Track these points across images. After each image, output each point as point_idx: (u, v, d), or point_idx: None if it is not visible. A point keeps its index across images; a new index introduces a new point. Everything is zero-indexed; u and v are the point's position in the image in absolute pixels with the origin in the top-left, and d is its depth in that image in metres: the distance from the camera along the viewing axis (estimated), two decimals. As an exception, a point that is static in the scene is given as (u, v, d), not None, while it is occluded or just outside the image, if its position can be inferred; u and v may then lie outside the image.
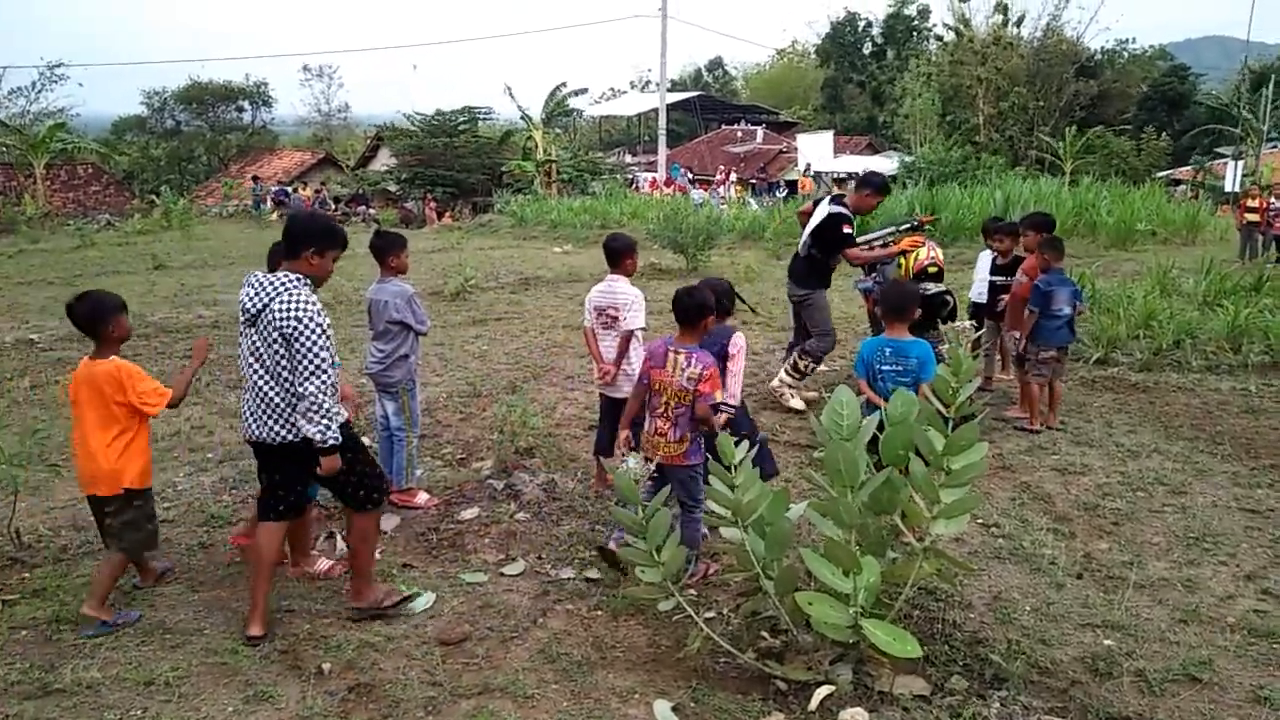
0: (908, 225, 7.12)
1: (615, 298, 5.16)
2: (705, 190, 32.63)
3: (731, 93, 66.39)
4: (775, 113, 53.49)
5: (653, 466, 3.81)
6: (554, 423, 6.73)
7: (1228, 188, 28.92)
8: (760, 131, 44.99)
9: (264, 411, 3.69)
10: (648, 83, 63.25)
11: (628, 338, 5.12)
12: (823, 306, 6.96)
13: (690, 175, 37.72)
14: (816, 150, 35.48)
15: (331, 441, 3.59)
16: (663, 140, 36.78)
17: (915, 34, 54.93)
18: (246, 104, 50.75)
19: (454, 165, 34.10)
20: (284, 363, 3.59)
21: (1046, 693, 3.29)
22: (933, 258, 6.64)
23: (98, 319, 3.89)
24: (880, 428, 3.41)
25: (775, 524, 3.33)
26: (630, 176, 36.23)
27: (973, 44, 39.61)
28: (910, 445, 3.32)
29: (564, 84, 34.65)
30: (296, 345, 3.52)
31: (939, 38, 46.50)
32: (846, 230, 6.73)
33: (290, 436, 3.68)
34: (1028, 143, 37.46)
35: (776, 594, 3.36)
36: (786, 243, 18.54)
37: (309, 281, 3.66)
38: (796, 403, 6.90)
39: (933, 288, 6.50)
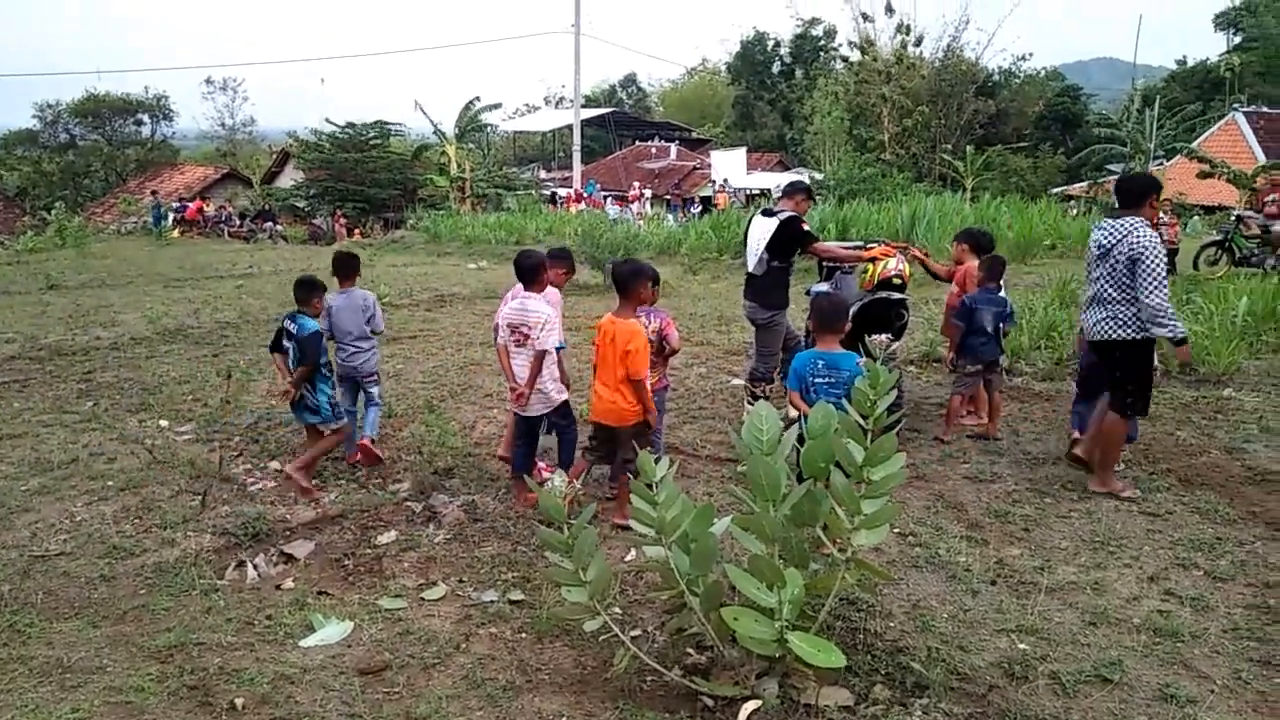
0: (877, 245, 7.21)
1: (527, 315, 5.14)
2: (621, 206, 32.77)
3: (645, 109, 66.96)
4: (688, 130, 54.16)
5: (578, 485, 3.79)
6: (473, 442, 6.64)
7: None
8: (674, 148, 45.47)
9: (1110, 319, 5.19)
10: (561, 99, 63.34)
11: (540, 357, 5.09)
12: (781, 330, 6.91)
13: (604, 192, 37.84)
14: (730, 167, 36.04)
15: (1181, 335, 5.08)
16: (578, 156, 36.85)
17: (822, 53, 56.25)
18: (146, 117, 49.14)
19: (365, 180, 33.58)
20: (1128, 281, 5.07)
21: (966, 699, 3.35)
22: (899, 270, 6.75)
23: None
24: (801, 441, 3.44)
25: (699, 540, 3.33)
26: (552, 192, 36.15)
27: (877, 64, 40.74)
28: (830, 457, 3.36)
29: (477, 99, 34.47)
30: (1142, 267, 5.00)
31: (845, 58, 47.69)
32: (806, 227, 6.77)
33: (1134, 335, 5.13)
34: (931, 160, 38.67)
35: (702, 610, 3.36)
36: (703, 257, 18.76)
37: (1149, 223, 5.11)
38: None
39: (894, 296, 6.62)
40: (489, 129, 40.30)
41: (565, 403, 5.39)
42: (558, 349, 5.26)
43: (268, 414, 7.42)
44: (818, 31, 56.61)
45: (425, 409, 7.38)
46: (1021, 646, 3.69)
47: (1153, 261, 5.02)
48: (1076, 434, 5.91)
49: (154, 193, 33.76)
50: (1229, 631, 3.78)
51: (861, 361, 3.77)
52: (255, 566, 4.59)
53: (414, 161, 35.66)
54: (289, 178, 39.34)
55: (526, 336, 5.16)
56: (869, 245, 7.10)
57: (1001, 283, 6.76)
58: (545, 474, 5.43)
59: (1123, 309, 5.18)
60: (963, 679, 3.47)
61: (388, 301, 13.23)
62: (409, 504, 5.45)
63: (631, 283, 4.98)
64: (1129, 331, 5.17)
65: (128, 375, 8.82)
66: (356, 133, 34.78)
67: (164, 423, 7.23)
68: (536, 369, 5.10)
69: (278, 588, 4.39)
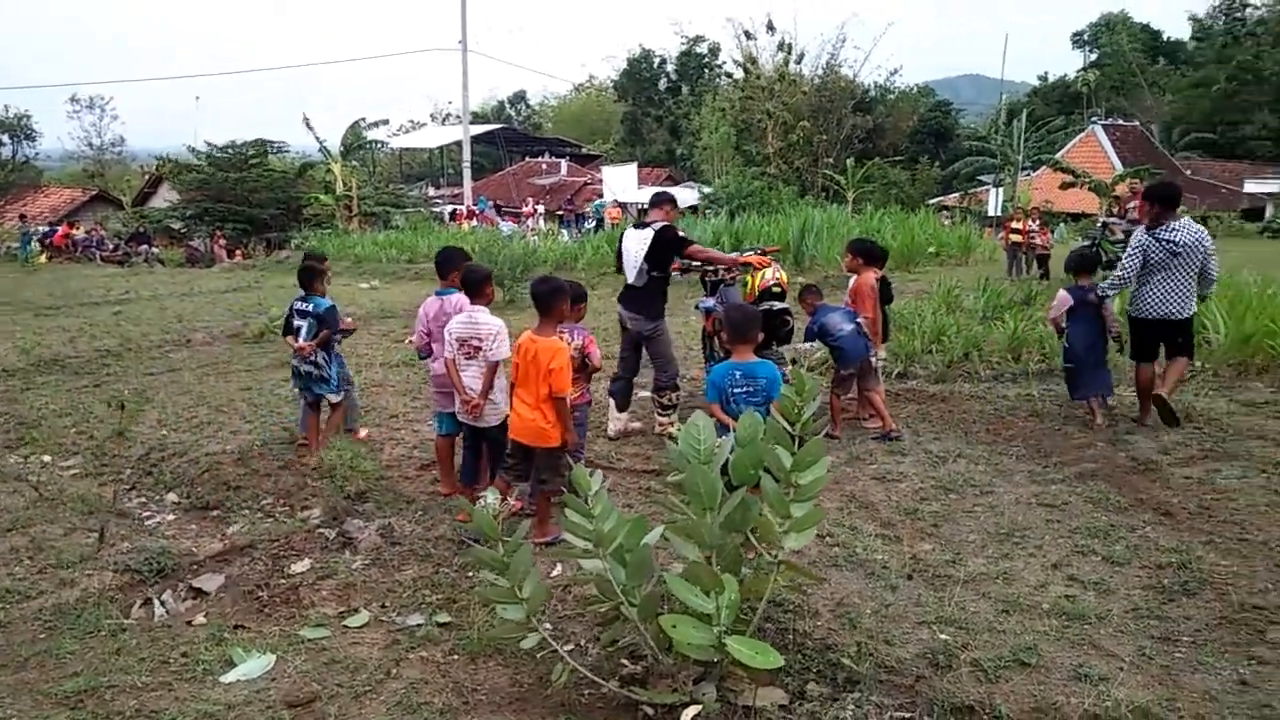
0: (751, 252, 7.41)
1: (478, 328, 5.19)
2: (515, 223, 32.63)
3: (535, 126, 66.87)
4: (578, 145, 54.32)
5: (512, 501, 3.76)
6: (383, 464, 6.50)
7: (990, 212, 31.78)
8: (565, 164, 45.53)
9: (1192, 297, 6.66)
10: (448, 115, 62.71)
11: (494, 368, 5.14)
12: (669, 337, 7.08)
13: (497, 205, 37.60)
14: (621, 182, 36.26)
15: None
16: (468, 173, 36.53)
17: (707, 70, 57.24)
18: (6, 138, 46.60)
19: (245, 200, 32.50)
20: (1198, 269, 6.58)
21: (896, 690, 3.46)
22: (776, 278, 6.93)
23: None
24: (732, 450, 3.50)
25: (635, 551, 3.35)
26: (453, 209, 35.65)
27: (760, 81, 41.69)
28: (760, 464, 3.43)
29: (363, 119, 33.80)
30: (1213, 257, 6.53)
31: (729, 74, 48.62)
32: (682, 233, 6.93)
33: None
34: (814, 173, 39.74)
35: (639, 620, 3.38)
36: (600, 272, 18.81)
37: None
38: None
39: (776, 306, 6.77)
40: (375, 146, 39.54)
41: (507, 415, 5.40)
42: None
43: (160, 444, 7.11)
44: (702, 49, 57.60)
45: (330, 432, 7.18)
46: (943, 637, 3.82)
47: (1214, 250, 6.63)
48: (1094, 406, 7.05)
49: (23, 216, 31.94)
50: (1130, 612, 4.01)
51: (787, 369, 3.88)
52: (163, 603, 4.40)
53: (298, 180, 34.71)
54: (163, 198, 37.79)
55: (477, 349, 5.18)
56: (743, 253, 7.35)
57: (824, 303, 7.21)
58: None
59: (1195, 290, 6.65)
60: (891, 671, 3.58)
61: (279, 324, 12.80)
62: (321, 530, 5.31)
63: (552, 301, 4.97)
64: (1196, 307, 6.76)
65: (2, 409, 8.32)
66: (236, 151, 33.68)
67: (47, 458, 6.85)
68: (490, 380, 5.15)
69: (189, 624, 4.21)
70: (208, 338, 12.49)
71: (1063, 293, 7.23)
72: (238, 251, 30.07)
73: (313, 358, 6.48)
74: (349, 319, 7.53)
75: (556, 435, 4.88)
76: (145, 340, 12.25)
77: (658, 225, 6.84)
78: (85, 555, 4.90)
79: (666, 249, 6.82)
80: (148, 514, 5.75)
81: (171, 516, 5.70)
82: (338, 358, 6.71)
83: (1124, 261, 6.83)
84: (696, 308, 7.54)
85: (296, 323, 6.58)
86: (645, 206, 7.31)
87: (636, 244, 6.87)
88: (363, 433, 7.21)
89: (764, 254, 7.44)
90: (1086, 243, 17.12)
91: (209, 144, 34.38)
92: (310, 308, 6.55)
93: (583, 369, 5.41)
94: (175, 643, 3.97)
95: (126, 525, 5.47)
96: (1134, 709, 3.21)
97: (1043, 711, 3.26)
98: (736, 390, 4.70)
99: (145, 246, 30.07)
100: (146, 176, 42.77)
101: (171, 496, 6.05)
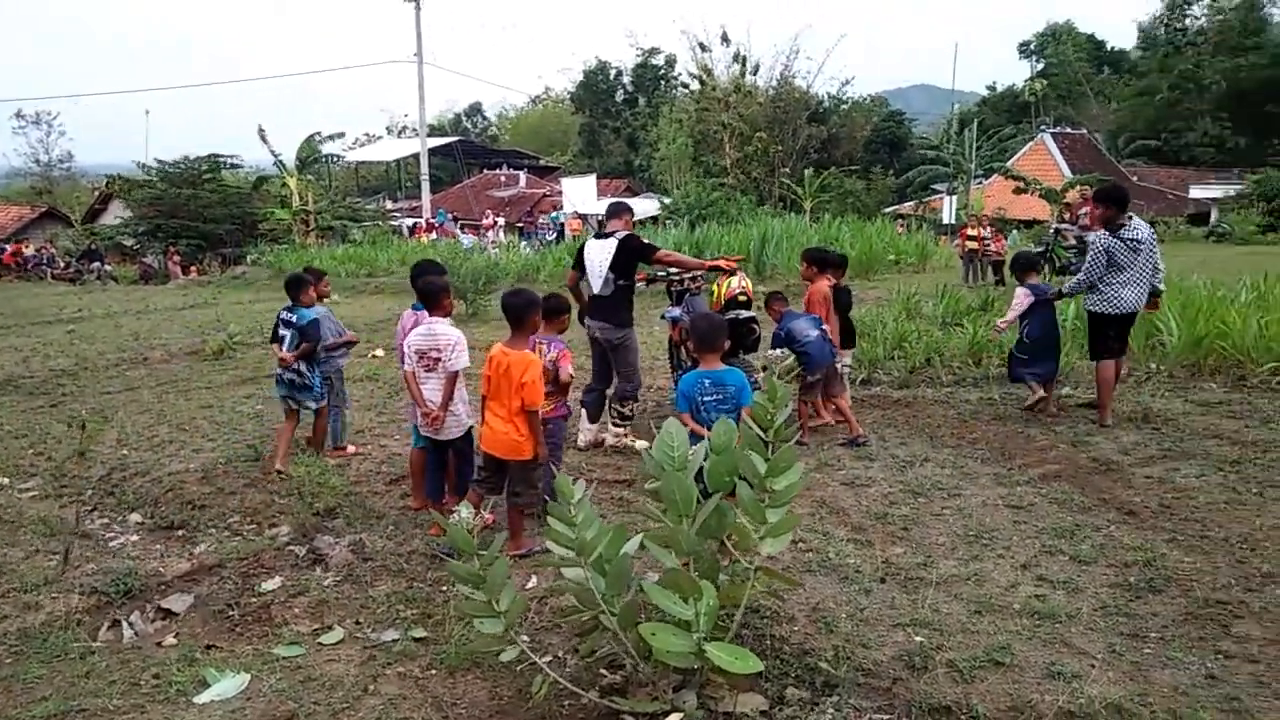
0: (719, 259, 7.49)
1: (436, 340, 5.18)
2: (475, 235, 32.53)
3: (492, 138, 66.76)
4: (536, 157, 54.30)
5: (487, 514, 3.75)
6: (351, 480, 6.44)
7: (945, 220, 32.24)
8: (523, 176, 45.48)
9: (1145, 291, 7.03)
10: (404, 128, 62.40)
11: (454, 379, 5.12)
12: (637, 347, 7.10)
13: (457, 219, 37.42)
14: (581, 193, 36.27)
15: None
16: (426, 185, 36.34)
17: (664, 82, 57.57)
18: (-54, 154, 45.47)
19: (199, 216, 32.07)
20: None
21: (874, 693, 3.49)
22: (743, 287, 7.00)
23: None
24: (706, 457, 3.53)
25: (614, 560, 3.35)
26: (413, 223, 35.41)
27: (716, 92, 42.03)
28: (735, 471, 3.46)
29: (319, 131, 33.50)
30: (1159, 251, 7.09)
31: (685, 86, 48.94)
32: (645, 240, 6.99)
33: None
34: (771, 183, 40.12)
35: (620, 628, 3.38)
36: (562, 283, 18.76)
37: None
38: (641, 444, 6.91)
39: (743, 314, 6.83)
40: (331, 159, 39.19)
41: (470, 426, 5.41)
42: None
43: (121, 464, 6.99)
44: (658, 61, 57.91)
45: (297, 448, 7.11)
46: (918, 639, 3.87)
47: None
48: (1042, 390, 7.45)
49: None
50: (1099, 610, 4.09)
51: (760, 377, 3.91)
52: (131, 625, 4.32)
53: (253, 194, 34.32)
54: (114, 215, 37.13)
55: (437, 361, 5.18)
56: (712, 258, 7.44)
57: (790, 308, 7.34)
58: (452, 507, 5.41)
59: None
60: (868, 674, 3.62)
61: (239, 341, 12.66)
62: (291, 548, 5.24)
63: (524, 313, 4.97)
64: None
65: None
66: (189, 166, 33.22)
67: (5, 480, 6.71)
68: (450, 391, 5.13)
69: (159, 645, 4.14)
70: (165, 355, 12.30)
71: (1023, 290, 7.45)
72: (193, 268, 29.65)
73: (295, 367, 6.58)
74: (351, 331, 7.60)
75: (529, 448, 4.88)
76: (101, 359, 12.03)
77: (621, 234, 6.87)
78: (49, 578, 4.79)
79: (632, 256, 6.85)
80: (111, 535, 5.64)
81: (136, 537, 5.60)
82: (339, 374, 7.22)
83: (1088, 264, 7.07)
84: (663, 317, 7.59)
85: (281, 332, 6.71)
86: (603, 218, 7.33)
87: (600, 254, 6.89)
88: (350, 449, 7.19)
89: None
90: (1040, 249, 17.46)
91: (159, 161, 33.92)
92: (294, 319, 6.67)
93: (556, 381, 5.41)
94: (146, 664, 3.89)
95: (90, 547, 5.36)
96: (1107, 705, 3.28)
97: (1018, 710, 3.32)
98: (706, 398, 4.72)
99: (98, 264, 29.57)
100: (96, 193, 42.04)
101: (135, 517, 5.94)
